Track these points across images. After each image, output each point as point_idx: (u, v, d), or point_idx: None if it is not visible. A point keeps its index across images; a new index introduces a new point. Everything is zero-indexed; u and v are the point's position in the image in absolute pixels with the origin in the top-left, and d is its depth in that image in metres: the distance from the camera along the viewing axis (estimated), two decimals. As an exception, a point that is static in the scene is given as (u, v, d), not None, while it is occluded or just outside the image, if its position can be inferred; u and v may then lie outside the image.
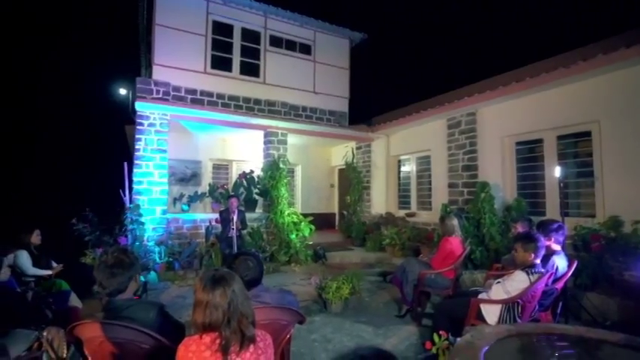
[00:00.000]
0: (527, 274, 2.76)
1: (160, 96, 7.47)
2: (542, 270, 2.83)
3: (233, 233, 5.76)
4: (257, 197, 8.02)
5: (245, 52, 8.89)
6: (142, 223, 6.25)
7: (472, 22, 19.11)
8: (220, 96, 8.46)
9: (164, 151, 6.82)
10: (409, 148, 8.41)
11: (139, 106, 6.70)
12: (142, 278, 4.17)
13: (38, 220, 4.46)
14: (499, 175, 6.22)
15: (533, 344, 2.02)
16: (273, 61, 9.15)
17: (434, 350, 2.41)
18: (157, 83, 7.55)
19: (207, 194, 8.08)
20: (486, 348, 1.77)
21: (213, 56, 8.49)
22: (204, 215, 7.35)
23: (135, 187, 6.49)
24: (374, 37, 10.86)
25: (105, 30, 24.51)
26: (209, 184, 8.29)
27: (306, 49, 9.67)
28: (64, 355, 1.63)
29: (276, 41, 9.25)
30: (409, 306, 4.15)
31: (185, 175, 8.48)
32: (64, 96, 22.18)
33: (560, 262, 3.15)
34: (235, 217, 5.83)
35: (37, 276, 3.89)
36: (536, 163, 5.86)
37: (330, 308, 4.31)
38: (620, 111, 4.67)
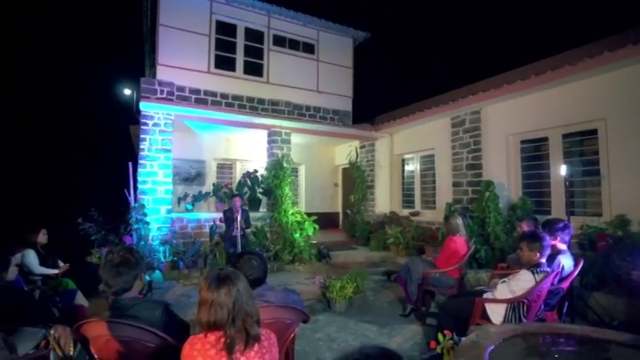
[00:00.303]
0: (533, 273, 2.74)
1: (164, 96, 7.51)
2: (548, 269, 2.81)
3: (237, 232, 5.77)
4: (261, 196, 8.04)
5: (248, 51, 8.90)
6: (147, 223, 6.29)
7: (476, 20, 19.00)
8: (224, 96, 8.49)
9: (168, 151, 6.85)
10: (413, 147, 8.38)
11: (144, 106, 6.73)
12: (147, 277, 4.19)
13: (44, 219, 4.50)
14: (504, 173, 6.18)
15: (539, 344, 2.00)
16: (276, 61, 9.15)
17: (438, 349, 2.41)
18: (161, 83, 7.59)
19: (212, 194, 8.10)
20: (491, 347, 1.76)
21: (216, 56, 8.51)
22: (209, 214, 7.38)
23: (140, 186, 6.53)
24: (377, 36, 10.83)
25: (109, 31, 24.70)
26: (213, 184, 8.32)
27: (309, 49, 9.66)
28: (71, 353, 1.65)
29: (279, 41, 9.26)
30: (413, 305, 4.15)
31: (189, 175, 8.51)
32: (70, 97, 22.37)
33: (566, 262, 3.12)
34: (239, 217, 5.85)
35: (44, 275, 3.93)
36: (542, 161, 5.81)
37: (334, 307, 4.32)
38: (627, 109, 4.62)
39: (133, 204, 6.22)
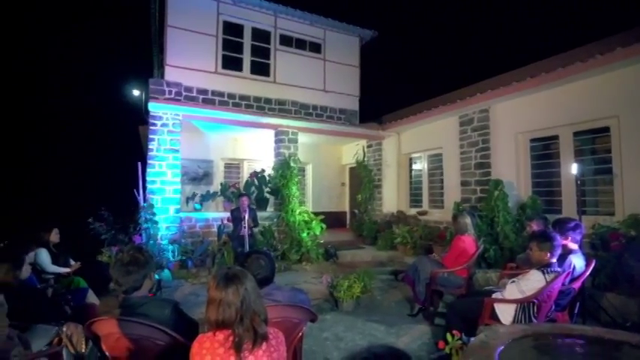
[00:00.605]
0: (543, 273, 2.71)
1: (172, 96, 7.57)
2: (559, 269, 2.77)
3: (245, 232, 5.80)
4: (268, 196, 8.07)
5: (255, 51, 8.93)
6: (156, 222, 6.36)
7: (484, 17, 18.78)
8: (231, 96, 8.53)
9: (177, 151, 6.92)
10: (420, 146, 8.33)
11: (152, 107, 6.80)
12: (157, 276, 4.24)
13: (56, 218, 4.58)
14: (513, 172, 6.11)
15: (550, 345, 1.98)
16: (283, 60, 9.17)
17: (447, 350, 2.39)
18: (169, 84, 7.66)
19: (219, 193, 8.16)
20: (501, 348, 1.74)
21: (224, 56, 8.56)
22: (217, 214, 7.43)
23: (149, 186, 6.60)
24: (384, 35, 10.77)
25: (118, 34, 25.01)
26: (221, 184, 8.38)
27: (316, 48, 9.66)
28: (83, 350, 1.68)
29: (286, 40, 9.27)
30: (421, 305, 4.12)
31: (197, 175, 8.58)
32: (80, 99, 22.71)
33: (577, 262, 3.08)
34: (247, 216, 5.87)
35: (56, 273, 3.99)
36: (552, 160, 5.73)
37: (341, 307, 4.31)
38: (640, 106, 4.53)
39: (142, 204, 6.29)
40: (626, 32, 4.65)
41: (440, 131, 7.62)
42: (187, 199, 8.01)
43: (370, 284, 4.55)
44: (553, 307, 2.83)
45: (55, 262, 4.04)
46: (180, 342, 1.70)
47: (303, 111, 9.29)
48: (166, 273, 5.66)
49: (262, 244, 6.66)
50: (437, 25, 20.01)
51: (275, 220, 7.58)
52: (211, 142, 8.75)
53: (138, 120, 9.24)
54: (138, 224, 6.18)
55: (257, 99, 8.80)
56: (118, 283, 1.84)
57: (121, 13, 25.46)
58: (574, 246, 3.22)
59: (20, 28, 22.94)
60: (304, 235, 7.12)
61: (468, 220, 4.17)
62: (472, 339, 2.08)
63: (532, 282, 2.72)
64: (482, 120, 6.57)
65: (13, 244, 2.89)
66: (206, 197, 8.09)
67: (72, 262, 4.32)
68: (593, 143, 5.29)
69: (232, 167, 9.30)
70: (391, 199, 8.99)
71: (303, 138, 8.44)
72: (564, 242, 3.11)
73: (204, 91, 8.24)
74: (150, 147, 6.74)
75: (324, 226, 7.48)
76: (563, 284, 2.80)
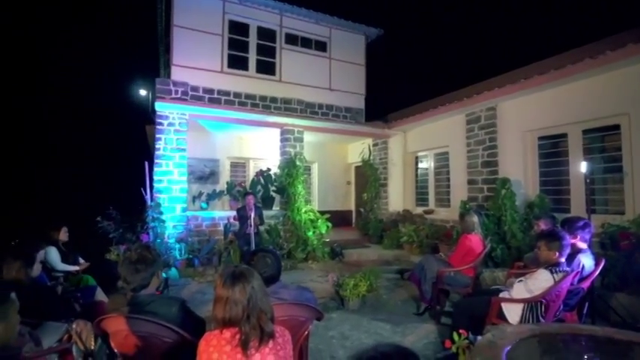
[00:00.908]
0: (552, 272, 2.68)
1: (179, 96, 7.62)
2: (567, 269, 2.74)
3: (251, 230, 5.82)
4: (274, 195, 8.09)
5: (261, 50, 8.95)
6: (163, 221, 6.41)
7: (491, 14, 18.58)
8: (237, 95, 8.56)
9: (183, 150, 6.96)
10: (427, 145, 8.28)
11: (159, 107, 6.85)
12: (164, 274, 4.27)
13: (65, 217, 4.64)
14: (520, 171, 6.05)
15: (559, 345, 1.96)
16: (288, 59, 9.18)
17: (454, 349, 2.38)
18: (175, 83, 7.70)
19: (225, 192, 8.20)
20: (508, 348, 1.73)
21: (229, 55, 8.58)
22: (223, 213, 7.47)
23: (155, 185, 6.66)
24: (390, 33, 10.74)
25: (126, 34, 25.21)
26: (227, 182, 8.42)
27: (321, 46, 9.65)
28: (92, 347, 1.70)
29: (291, 39, 9.27)
30: (427, 304, 4.11)
31: (204, 174, 8.63)
32: (88, 99, 22.96)
33: (586, 261, 3.04)
34: (253, 215, 5.90)
35: (65, 271, 4.05)
36: (560, 158, 5.65)
37: (347, 305, 4.31)
38: (651, 103, 4.45)
39: (149, 202, 6.35)
40: (638, 28, 4.56)
41: (446, 129, 7.56)
42: (194, 198, 8.06)
43: (376, 283, 4.55)
44: (561, 306, 2.81)
45: (64, 260, 4.10)
46: (188, 339, 1.71)
47: (309, 110, 9.29)
48: (173, 271, 5.71)
49: (268, 243, 6.68)
50: (443, 23, 19.87)
51: (281, 218, 7.60)
52: (217, 141, 8.79)
53: (145, 119, 9.32)
54: (145, 223, 6.23)
55: (263, 98, 8.82)
56: (126, 281, 1.86)
57: (127, 13, 25.66)
58: (583, 245, 3.19)
59: (26, 28, 23.26)
60: (310, 233, 7.13)
61: (475, 218, 4.14)
62: (479, 338, 2.07)
63: (540, 281, 2.70)
64: (490, 118, 6.50)
65: (23, 243, 2.93)
66: (212, 196, 8.13)
67: (81, 261, 4.38)
68: (603, 141, 5.21)
69: (238, 166, 9.33)
70: (397, 198, 8.95)
71: (308, 137, 8.44)
72: (573, 241, 3.07)
73: (210, 91, 8.28)
74: (157, 146, 6.80)
75: (329, 224, 7.49)
76: (571, 284, 2.77)
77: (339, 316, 4.06)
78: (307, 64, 9.39)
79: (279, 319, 1.71)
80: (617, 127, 4.89)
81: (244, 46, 8.79)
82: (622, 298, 3.77)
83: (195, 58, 8.13)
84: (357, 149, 9.67)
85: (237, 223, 6.42)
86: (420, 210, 8.27)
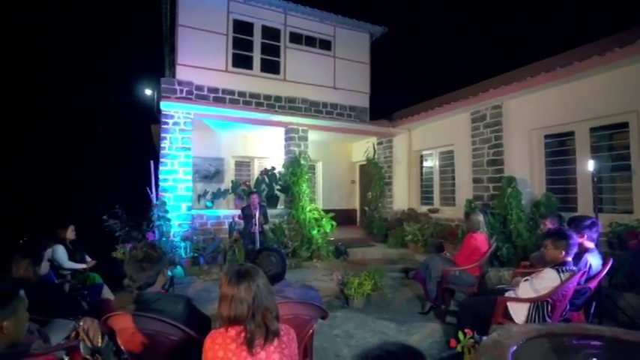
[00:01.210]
0: (558, 272, 2.65)
1: (184, 95, 7.66)
2: (574, 268, 2.72)
3: (255, 229, 5.84)
4: (279, 193, 8.10)
5: (265, 49, 8.95)
6: (169, 219, 6.45)
7: (497, 11, 18.42)
8: (242, 94, 8.58)
9: (188, 149, 7.00)
10: (432, 143, 8.24)
11: (164, 106, 6.89)
12: (169, 272, 4.31)
13: (72, 216, 4.68)
14: (526, 169, 6.00)
15: (565, 345, 1.94)
16: (293, 58, 9.17)
17: (459, 348, 2.37)
18: (180, 83, 7.74)
19: (230, 191, 8.23)
20: (514, 347, 1.71)
21: (234, 54, 8.60)
22: (228, 211, 7.50)
23: (161, 184, 6.70)
24: (395, 31, 10.67)
25: (131, 34, 25.37)
26: (232, 181, 8.45)
27: (326, 45, 9.63)
28: (99, 344, 1.72)
29: (296, 38, 9.27)
30: (432, 303, 4.09)
31: (208, 172, 8.67)
32: (94, 99, 23.15)
33: (593, 260, 3.01)
34: (257, 213, 5.91)
35: (72, 269, 4.09)
36: (567, 156, 5.60)
37: (352, 304, 4.31)
38: (660, 100, 4.38)
39: (154, 201, 6.39)
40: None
41: (451, 128, 7.52)
42: (199, 197, 8.11)
43: (381, 282, 4.54)
44: (568, 306, 2.78)
45: (71, 258, 4.14)
46: (194, 337, 1.73)
47: (313, 108, 9.28)
48: (179, 269, 5.75)
49: (273, 242, 6.70)
50: (448, 20, 19.74)
51: (285, 217, 7.61)
52: (222, 140, 8.82)
53: (150, 119, 9.39)
54: (151, 221, 6.28)
55: (267, 97, 8.83)
56: (132, 279, 1.88)
57: (132, 14, 25.81)
58: (590, 244, 3.15)
59: (32, 29, 23.48)
60: (315, 232, 7.13)
61: (480, 217, 4.12)
62: (484, 338, 2.06)
63: (546, 281, 2.67)
64: (495, 116, 6.46)
65: (32, 241, 2.97)
66: (217, 195, 8.17)
67: (88, 259, 4.42)
68: (611, 139, 5.15)
69: (243, 165, 9.36)
70: (402, 197, 8.93)
71: (313, 135, 8.44)
72: (580, 240, 3.05)
73: (214, 90, 8.31)
74: (162, 145, 6.84)
75: (334, 223, 7.48)
76: (578, 283, 2.74)
77: (343, 315, 4.06)
78: (311, 62, 9.38)
79: (284, 317, 1.71)
80: (625, 124, 4.83)
81: (249, 45, 8.81)
82: (630, 298, 3.73)
83: (200, 57, 8.16)
84: (361, 148, 9.65)
85: (241, 221, 6.44)
86: (424, 209, 8.24)
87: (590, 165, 4.02)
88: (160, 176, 6.72)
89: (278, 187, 8.02)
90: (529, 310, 2.73)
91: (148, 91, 10.50)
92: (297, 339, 1.60)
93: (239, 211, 6.60)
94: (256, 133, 8.90)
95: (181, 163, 6.92)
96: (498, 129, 6.41)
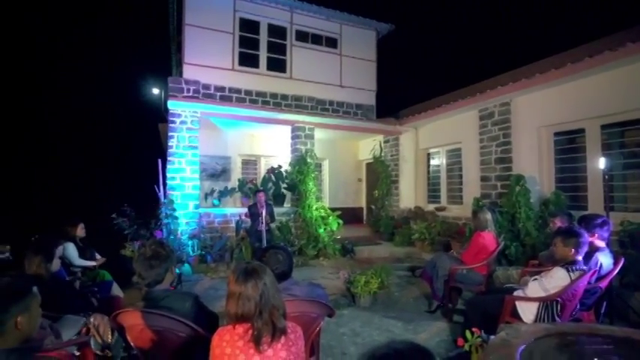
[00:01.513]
0: (568, 271, 2.62)
1: (191, 94, 7.70)
2: (585, 267, 2.68)
3: (262, 227, 5.86)
4: (285, 192, 8.12)
5: (271, 47, 8.96)
6: (176, 218, 6.51)
7: (506, 7, 18.16)
8: (248, 92, 8.60)
9: (195, 148, 7.04)
10: (439, 141, 8.18)
11: (171, 105, 6.94)
12: (177, 270, 4.34)
13: (82, 214, 4.75)
14: (535, 167, 5.93)
15: (575, 345, 1.91)
16: (299, 56, 9.17)
17: (466, 347, 2.36)
18: (187, 82, 7.78)
19: (237, 189, 8.27)
20: (523, 347, 1.70)
21: (240, 53, 8.62)
22: (235, 210, 7.54)
23: (168, 182, 6.75)
24: (401, 28, 10.59)
25: (138, 34, 25.58)
26: (238, 180, 8.49)
27: (332, 43, 9.60)
28: (109, 340, 1.75)
29: (302, 36, 9.25)
30: (439, 302, 4.08)
31: (215, 171, 8.72)
32: (102, 98, 23.42)
33: (604, 260, 2.97)
34: (264, 212, 5.93)
35: (82, 267, 4.16)
36: (577, 154, 5.52)
37: (358, 302, 4.31)
38: (674, 96, 4.29)
39: (162, 199, 6.45)
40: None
41: (459, 126, 7.46)
42: (206, 195, 8.16)
43: (387, 280, 4.53)
44: (578, 306, 2.75)
45: (81, 255, 4.21)
46: (202, 334, 1.74)
47: (320, 107, 9.27)
48: (186, 267, 5.80)
49: (279, 240, 6.71)
50: (455, 17, 19.53)
51: (292, 215, 7.63)
52: (229, 139, 8.86)
53: (158, 118, 9.47)
54: (159, 220, 6.33)
55: (273, 95, 8.84)
56: (141, 276, 1.89)
57: (140, 13, 26.02)
58: (601, 243, 3.11)
59: (38, 29, 23.80)
60: (321, 230, 7.14)
61: (488, 216, 4.08)
62: (492, 337, 2.04)
63: (556, 280, 2.64)
64: (504, 114, 6.38)
65: (43, 239, 3.02)
66: (224, 193, 8.21)
67: (97, 256, 4.48)
68: (623, 136, 5.06)
69: (250, 163, 9.40)
70: (408, 195, 8.89)
71: (319, 134, 8.44)
72: (591, 239, 3.00)
73: (221, 89, 8.34)
74: (169, 144, 6.89)
75: (340, 221, 7.48)
76: (589, 283, 2.71)
77: (350, 313, 4.06)
78: (318, 60, 9.37)
79: (290, 315, 1.72)
80: (637, 121, 4.74)
81: (255, 44, 8.82)
82: (642, 297, 3.67)
83: (207, 56, 8.20)
84: (368, 146, 9.62)
85: (248, 220, 6.47)
86: (431, 207, 8.20)
87: (602, 163, 3.95)
88: (168, 175, 6.78)
89: (284, 185, 8.04)
90: (538, 309, 2.70)
91: (156, 91, 10.58)
92: (303, 336, 1.60)
93: (246, 210, 6.63)
94: (263, 132, 8.92)
95: (188, 162, 6.97)
96: (507, 126, 6.34)
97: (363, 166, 10.72)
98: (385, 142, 9.37)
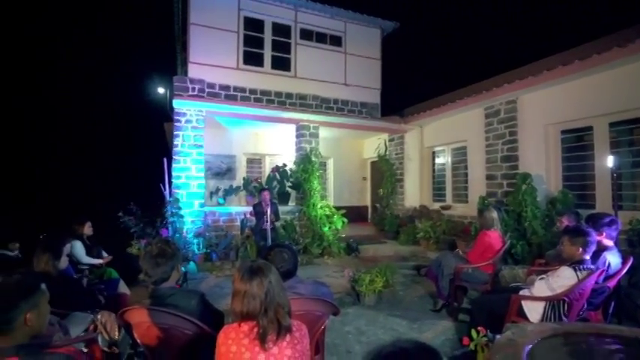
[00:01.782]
0: (575, 270, 2.59)
1: (196, 93, 7.73)
2: (592, 266, 2.65)
3: (267, 226, 5.87)
4: (290, 190, 8.13)
5: (276, 46, 8.96)
6: (182, 216, 6.55)
7: (511, 3, 17.96)
8: (253, 91, 8.61)
9: (200, 147, 7.07)
10: (444, 139, 8.14)
11: (176, 104, 6.98)
12: (183, 268, 4.37)
13: (89, 212, 4.79)
14: (542, 165, 5.87)
15: (583, 345, 1.90)
16: (303, 55, 9.16)
17: (472, 346, 2.35)
18: (192, 81, 7.81)
19: (242, 188, 8.30)
20: (530, 346, 1.69)
21: (245, 52, 8.64)
22: (239, 208, 7.57)
23: (174, 181, 6.80)
24: (406, 26, 10.53)
25: (144, 34, 25.71)
26: (243, 178, 8.51)
27: (336, 41, 9.58)
28: (116, 337, 1.77)
29: (306, 34, 9.24)
30: (445, 300, 4.06)
31: (220, 170, 8.75)
32: (108, 98, 23.59)
33: (612, 259, 2.93)
34: (269, 210, 5.94)
35: (90, 264, 4.20)
36: (585, 152, 5.46)
37: (363, 301, 4.31)
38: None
39: (168, 198, 6.48)
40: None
41: (464, 124, 7.41)
42: (211, 194, 8.20)
43: (392, 279, 4.52)
44: (585, 305, 2.72)
45: (88, 253, 4.25)
46: (207, 332, 1.75)
47: (324, 105, 9.26)
48: (192, 265, 5.83)
49: (284, 238, 6.73)
50: (461, 14, 19.37)
51: (297, 214, 7.64)
52: (234, 138, 8.89)
53: (163, 117, 9.51)
54: (164, 218, 6.37)
55: (278, 94, 8.85)
56: (148, 274, 1.91)
57: (145, 13, 26.16)
58: (609, 242, 3.07)
59: (44, 29, 24.01)
60: (326, 229, 7.14)
61: (494, 214, 4.05)
62: (498, 336, 2.03)
63: (562, 279, 2.62)
64: (510, 111, 6.33)
65: (51, 237, 3.05)
66: (229, 192, 8.25)
67: (104, 254, 4.52)
68: (632, 134, 4.99)
69: (254, 162, 9.42)
70: (413, 194, 8.86)
71: (324, 132, 8.43)
72: (599, 238, 2.96)
73: (226, 87, 8.36)
74: (175, 143, 6.93)
75: (345, 220, 7.48)
76: (596, 282, 2.68)
77: (355, 312, 4.06)
78: (322, 59, 9.35)
79: (295, 313, 1.72)
80: (646, 119, 4.67)
81: (259, 43, 8.82)
82: (650, 297, 3.62)
83: (212, 55, 8.22)
84: (372, 144, 9.60)
85: (253, 218, 6.49)
86: (437, 205, 8.16)
87: (610, 161, 3.90)
88: (173, 173, 6.82)
89: (289, 184, 8.05)
90: (545, 308, 2.68)
91: (161, 90, 10.63)
92: (308, 335, 1.61)
93: (251, 208, 6.65)
94: (267, 130, 8.93)
95: (194, 161, 7.00)
96: (513, 124, 6.29)
97: (368, 165, 10.69)
98: (390, 140, 9.34)
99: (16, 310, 1.30)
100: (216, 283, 5.25)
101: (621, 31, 4.91)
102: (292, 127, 8.22)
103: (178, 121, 6.97)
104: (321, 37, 9.42)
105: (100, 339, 1.79)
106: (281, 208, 6.86)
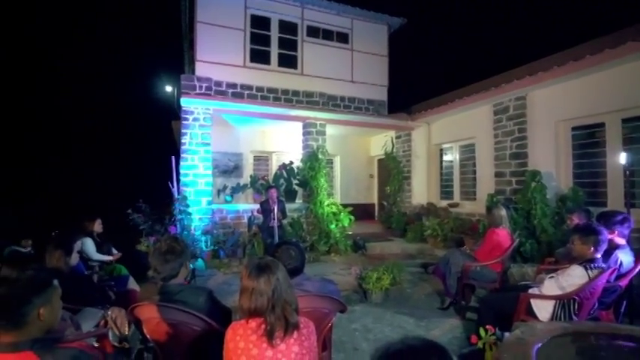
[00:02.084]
0: (586, 269, 2.56)
1: (203, 91, 7.77)
2: (603, 265, 2.61)
3: (274, 223, 5.89)
4: (297, 188, 8.15)
5: (282, 44, 8.96)
6: (190, 214, 6.61)
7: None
8: (259, 89, 8.63)
9: (208, 144, 7.12)
10: (452, 137, 8.07)
11: (184, 102, 7.02)
12: (191, 265, 4.41)
13: (98, 210, 4.86)
14: (552, 163, 5.78)
15: (594, 344, 1.87)
16: (310, 52, 9.14)
17: (480, 345, 2.34)
18: (199, 79, 7.85)
19: (249, 185, 8.33)
20: (539, 345, 1.67)
21: (252, 50, 8.65)
22: (247, 206, 7.61)
23: (182, 179, 6.85)
24: (413, 22, 10.44)
25: (151, 34, 25.91)
26: (250, 176, 8.55)
27: (343, 38, 9.54)
28: (126, 333, 1.80)
29: (313, 31, 9.22)
30: (452, 299, 4.04)
31: (228, 167, 8.80)
32: (117, 97, 23.85)
33: (624, 258, 2.88)
34: (276, 208, 5.96)
35: (100, 261, 4.27)
36: (596, 149, 5.36)
37: (370, 298, 4.31)
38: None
39: (176, 196, 6.54)
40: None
41: (472, 121, 7.33)
42: (218, 192, 8.25)
43: (399, 276, 4.51)
44: (596, 304, 2.68)
45: (98, 250, 4.32)
46: (215, 328, 1.77)
47: (331, 102, 9.24)
48: (200, 262, 5.89)
49: (291, 236, 6.75)
50: (468, 10, 19.13)
51: (304, 211, 7.65)
52: (241, 135, 8.92)
53: (171, 115, 9.59)
54: (173, 215, 6.44)
55: (285, 91, 8.85)
56: (157, 270, 1.93)
57: (152, 11, 26.32)
58: (621, 241, 3.02)
59: (51, 28, 24.30)
60: (333, 226, 7.14)
61: (503, 212, 4.02)
62: (506, 335, 2.02)
63: (573, 278, 2.59)
64: (519, 108, 6.24)
65: (63, 234, 3.11)
66: (236, 189, 8.29)
67: (114, 251, 4.59)
68: (645, 130, 4.89)
69: (261, 160, 9.45)
70: (421, 191, 8.80)
71: (331, 130, 8.42)
72: (610, 237, 2.92)
73: (233, 85, 8.40)
74: (182, 141, 6.99)
75: (352, 217, 7.47)
76: (608, 281, 2.64)
77: (362, 309, 4.06)
78: (329, 56, 9.32)
79: (302, 310, 1.73)
80: (660, 115, 4.57)
81: (266, 40, 8.83)
82: (663, 296, 3.56)
83: (219, 53, 8.25)
84: (379, 142, 9.55)
85: (260, 215, 6.51)
86: (444, 203, 8.10)
87: (622, 158, 3.84)
88: (181, 171, 6.87)
89: (296, 181, 8.06)
90: (554, 307, 2.65)
91: (169, 88, 10.71)
92: (316, 332, 1.61)
93: (258, 206, 6.67)
94: (274, 128, 8.95)
95: (201, 159, 7.05)
96: (522, 121, 6.20)
97: (375, 162, 10.66)
98: (397, 137, 9.29)
99: (30, 305, 1.33)
100: (224, 280, 5.29)
101: (634, 25, 4.79)
102: (299, 125, 8.22)
103: (186, 119, 7.02)
104: (327, 34, 9.39)
105: (110, 334, 1.81)
106: (288, 206, 6.87)
